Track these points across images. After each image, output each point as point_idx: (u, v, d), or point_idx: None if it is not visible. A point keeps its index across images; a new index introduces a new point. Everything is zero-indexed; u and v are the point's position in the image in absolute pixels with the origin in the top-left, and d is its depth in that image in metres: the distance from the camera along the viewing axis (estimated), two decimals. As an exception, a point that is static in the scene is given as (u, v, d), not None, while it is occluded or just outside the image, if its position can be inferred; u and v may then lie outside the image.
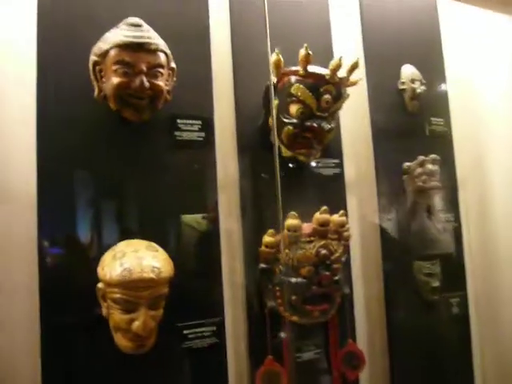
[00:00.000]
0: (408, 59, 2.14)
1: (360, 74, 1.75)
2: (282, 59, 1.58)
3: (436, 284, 2.00)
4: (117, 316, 1.27)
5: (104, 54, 1.33)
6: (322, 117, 1.60)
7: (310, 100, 1.58)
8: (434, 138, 2.17)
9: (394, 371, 1.95)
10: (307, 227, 1.61)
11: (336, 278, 1.60)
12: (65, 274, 1.39)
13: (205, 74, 1.66)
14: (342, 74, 1.59)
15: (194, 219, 1.60)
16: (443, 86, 2.27)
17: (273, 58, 1.57)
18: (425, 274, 2.00)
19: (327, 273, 1.57)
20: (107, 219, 1.49)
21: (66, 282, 1.38)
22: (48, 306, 1.34)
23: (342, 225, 1.64)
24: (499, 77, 2.35)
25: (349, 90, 1.67)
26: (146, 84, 1.32)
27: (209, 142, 1.63)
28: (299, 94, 1.58)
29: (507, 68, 2.40)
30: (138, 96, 1.36)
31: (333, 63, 1.56)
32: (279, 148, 1.69)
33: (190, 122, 1.59)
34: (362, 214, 2.00)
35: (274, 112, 1.64)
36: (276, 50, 1.56)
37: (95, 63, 1.36)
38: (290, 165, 1.76)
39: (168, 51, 1.41)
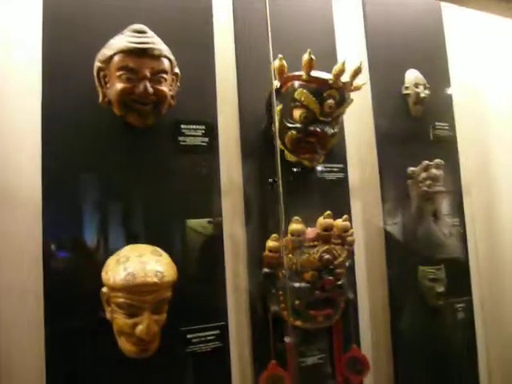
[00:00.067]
0: (412, 64, 2.14)
1: (364, 79, 1.75)
2: (285, 64, 1.59)
3: (441, 289, 1.99)
4: (120, 320, 1.27)
5: (108, 60, 1.35)
6: (326, 121, 1.61)
7: (314, 105, 1.58)
8: (438, 143, 2.17)
9: (399, 377, 1.94)
10: (311, 232, 1.62)
11: (339, 282, 1.60)
12: (69, 278, 1.40)
13: (208, 79, 1.67)
14: (345, 78, 1.60)
15: (199, 224, 1.61)
16: (448, 91, 2.27)
17: (276, 63, 1.58)
18: (429, 279, 1.99)
19: (330, 277, 1.57)
20: (112, 224, 1.50)
21: (71, 286, 1.39)
22: (53, 310, 1.35)
23: (346, 229, 1.64)
24: (504, 81, 2.34)
25: (353, 94, 1.67)
26: (150, 90, 1.34)
27: (212, 147, 1.64)
28: (302, 98, 1.58)
29: (512, 72, 2.39)
30: (141, 101, 1.37)
31: (336, 68, 1.56)
32: (283, 153, 1.70)
33: (194, 127, 1.60)
34: (366, 218, 2.00)
35: (277, 117, 1.64)
36: (279, 56, 1.57)
37: (99, 69, 1.37)
38: (294, 169, 1.76)
39: (172, 57, 1.43)
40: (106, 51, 1.36)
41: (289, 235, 1.58)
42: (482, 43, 2.39)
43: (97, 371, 1.38)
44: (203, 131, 1.62)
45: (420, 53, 2.19)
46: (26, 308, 1.37)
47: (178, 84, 1.48)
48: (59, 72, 1.44)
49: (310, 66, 1.55)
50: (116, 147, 1.49)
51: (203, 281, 1.60)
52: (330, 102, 1.58)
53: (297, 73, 1.60)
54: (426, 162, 2.01)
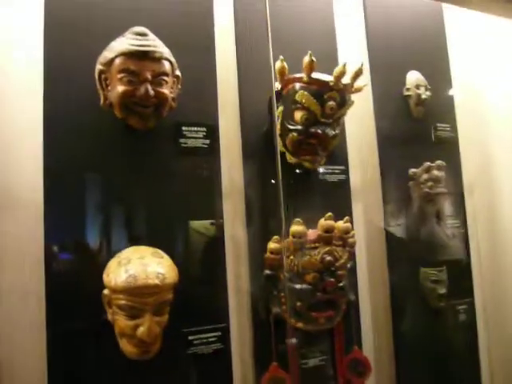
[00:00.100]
0: (413, 65, 2.14)
1: (365, 81, 1.75)
2: (286, 66, 1.59)
3: (443, 291, 1.98)
4: (122, 322, 1.28)
5: (109, 63, 1.35)
6: (327, 123, 1.61)
7: (315, 107, 1.58)
8: (439, 144, 2.17)
9: (401, 379, 1.94)
10: (312, 233, 1.62)
11: (341, 284, 1.60)
12: (71, 280, 1.41)
13: (210, 81, 1.68)
14: (346, 80, 1.60)
15: (202, 225, 1.61)
16: (449, 92, 2.27)
17: (277, 65, 1.59)
18: (431, 280, 1.99)
19: (332, 279, 1.57)
20: (113, 226, 1.50)
21: (73, 288, 1.39)
22: (55, 312, 1.36)
23: (347, 231, 1.64)
24: (506, 82, 2.34)
25: (354, 96, 1.67)
26: (151, 92, 1.34)
27: (213, 149, 1.64)
28: (303, 100, 1.59)
29: (514, 73, 2.39)
30: (142, 104, 1.37)
31: (337, 70, 1.56)
32: (284, 154, 1.70)
33: (195, 129, 1.61)
34: (367, 220, 2.00)
35: (278, 119, 1.66)
36: (280, 57, 1.58)
37: (101, 72, 1.38)
38: (298, 170, 1.76)
39: (173, 59, 1.43)
40: (107, 54, 1.36)
41: (290, 237, 1.59)
42: (483, 44, 2.39)
43: (98, 373, 1.38)
44: (204, 133, 1.62)
45: (421, 54, 2.19)
46: (27, 310, 1.38)
47: (179, 86, 1.49)
48: (61, 74, 1.44)
49: (311, 67, 1.56)
50: (117, 150, 1.50)
51: (205, 282, 1.60)
52: (331, 103, 1.59)
53: (298, 75, 1.61)
54: (428, 163, 2.01)
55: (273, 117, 1.63)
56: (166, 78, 1.39)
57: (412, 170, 2.03)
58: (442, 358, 2.02)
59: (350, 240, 1.65)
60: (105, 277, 1.32)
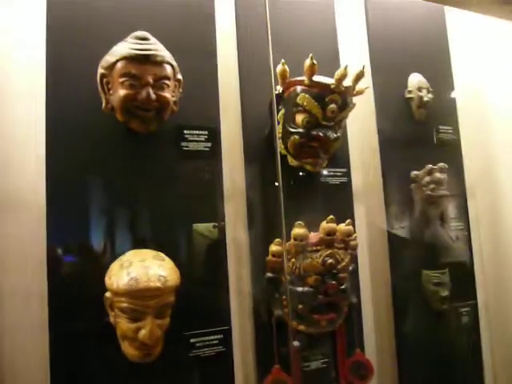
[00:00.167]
0: (415, 67, 2.14)
1: (367, 83, 1.75)
2: (287, 69, 1.60)
3: (445, 293, 1.98)
4: (124, 325, 1.28)
5: (111, 67, 1.36)
6: (328, 126, 1.61)
7: (316, 109, 1.59)
8: (442, 146, 2.16)
9: (403, 381, 1.93)
10: (314, 236, 1.62)
11: (343, 287, 1.60)
12: (73, 283, 1.41)
13: (211, 84, 1.68)
14: (347, 83, 1.60)
15: (205, 228, 1.61)
16: (451, 94, 2.27)
17: (279, 68, 1.59)
18: (434, 283, 1.98)
19: (333, 282, 1.57)
20: (115, 228, 1.51)
21: (75, 291, 1.40)
22: (57, 314, 1.36)
23: (349, 234, 1.64)
24: (508, 84, 2.33)
25: (356, 99, 1.67)
26: (153, 96, 1.35)
27: (215, 152, 1.65)
28: (305, 103, 1.59)
29: (516, 75, 2.39)
30: (144, 108, 1.38)
31: (338, 73, 1.57)
32: (286, 157, 1.71)
33: (197, 132, 1.61)
34: (369, 222, 2.00)
35: (278, 121, 1.67)
36: (282, 61, 1.58)
37: (102, 76, 1.39)
38: (301, 173, 1.76)
39: (174, 63, 1.44)
40: (108, 58, 1.37)
41: (292, 240, 1.59)
42: (485, 46, 2.39)
43: (100, 375, 1.39)
44: (206, 136, 1.63)
45: (423, 56, 2.19)
46: (30, 312, 1.38)
47: (181, 90, 1.49)
48: (63, 78, 1.45)
49: (312, 70, 1.56)
50: (119, 153, 1.50)
51: (207, 285, 1.60)
52: (333, 106, 1.59)
53: (299, 78, 1.61)
54: (430, 165, 2.00)
55: (273, 120, 1.64)
56: (167, 81, 1.40)
57: (414, 173, 2.03)
58: (445, 361, 2.02)
59: (352, 243, 1.65)
60: (107, 279, 1.32)
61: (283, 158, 1.69)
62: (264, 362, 1.63)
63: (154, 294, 1.26)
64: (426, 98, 2.08)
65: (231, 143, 1.72)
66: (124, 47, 1.35)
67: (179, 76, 1.47)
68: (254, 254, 1.69)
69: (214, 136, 1.65)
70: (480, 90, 2.38)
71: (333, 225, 1.60)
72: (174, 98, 1.45)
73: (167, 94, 1.40)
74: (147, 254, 1.39)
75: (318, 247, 1.60)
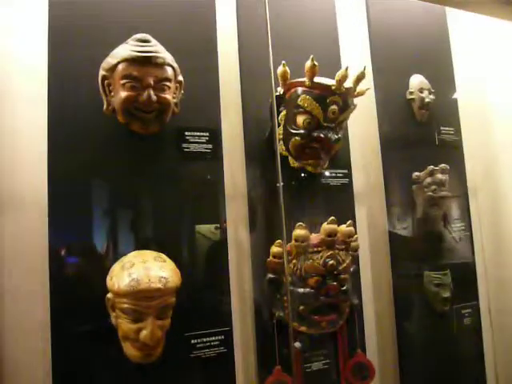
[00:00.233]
0: (417, 69, 2.14)
1: (368, 84, 1.76)
2: (288, 71, 1.60)
3: (447, 294, 1.98)
4: (125, 325, 1.29)
5: (112, 69, 1.36)
6: (329, 127, 1.62)
7: (317, 111, 1.59)
8: (443, 147, 2.16)
9: (404, 382, 1.93)
10: (315, 237, 1.62)
11: (344, 288, 1.60)
12: (75, 283, 1.42)
13: (212, 86, 1.69)
14: (348, 84, 1.60)
15: (208, 229, 1.62)
16: (453, 95, 2.27)
17: (280, 69, 1.60)
18: (435, 284, 1.98)
19: (334, 283, 1.57)
20: (117, 230, 1.52)
21: (77, 291, 1.41)
22: (59, 314, 1.37)
23: (350, 235, 1.64)
24: (510, 85, 2.33)
25: (357, 100, 1.68)
26: (154, 98, 1.35)
27: (216, 153, 1.65)
28: (306, 105, 1.60)
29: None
30: (145, 109, 1.39)
31: (339, 74, 1.57)
32: (287, 159, 1.71)
33: (198, 134, 1.62)
34: (370, 224, 2.00)
35: (281, 123, 1.67)
36: (283, 62, 1.59)
37: (104, 78, 1.39)
38: (301, 174, 1.76)
39: (175, 65, 1.44)
40: (110, 60, 1.38)
41: (293, 241, 1.59)
42: (487, 47, 2.39)
43: (102, 376, 1.40)
44: (207, 138, 1.63)
45: (425, 57, 2.19)
46: (32, 312, 1.39)
47: (182, 92, 1.50)
48: (65, 80, 1.47)
49: (313, 72, 1.57)
50: (120, 154, 1.51)
51: (209, 286, 1.60)
52: (334, 107, 1.59)
53: (300, 79, 1.62)
54: (431, 166, 2.00)
55: (273, 121, 1.64)
56: (168, 83, 1.40)
57: (416, 174, 2.03)
58: (447, 362, 2.01)
59: (353, 244, 1.65)
60: (108, 280, 1.33)
61: (284, 159, 1.70)
62: (265, 362, 1.63)
63: (154, 295, 1.26)
64: (427, 99, 2.08)
65: (232, 145, 1.73)
66: (125, 49, 1.36)
67: (180, 78, 1.48)
68: (255, 255, 1.70)
69: (215, 137, 1.66)
70: (482, 91, 2.38)
71: (334, 226, 1.60)
72: (174, 100, 1.46)
73: (168, 96, 1.40)
74: (148, 255, 1.39)
75: (319, 248, 1.59)
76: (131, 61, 1.34)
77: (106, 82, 1.40)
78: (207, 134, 1.63)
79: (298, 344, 1.61)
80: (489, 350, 2.21)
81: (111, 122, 1.44)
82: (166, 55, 1.40)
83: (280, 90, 1.68)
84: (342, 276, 1.59)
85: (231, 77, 1.75)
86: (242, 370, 1.65)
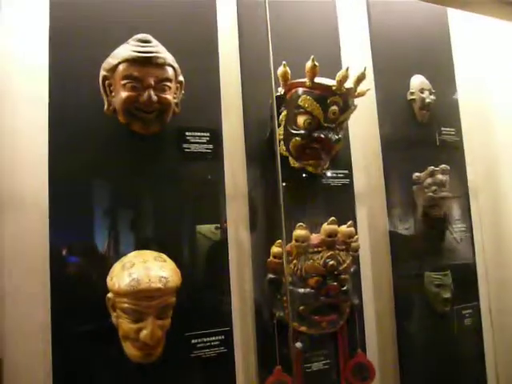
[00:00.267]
0: (418, 69, 2.14)
1: (369, 85, 1.76)
2: (289, 71, 1.60)
3: (447, 295, 1.98)
4: (125, 325, 1.29)
5: (113, 69, 1.37)
6: (330, 128, 1.62)
7: (318, 111, 1.59)
8: (444, 148, 2.16)
9: (405, 383, 1.92)
10: (315, 238, 1.62)
11: (344, 288, 1.60)
12: (76, 284, 1.42)
13: (213, 86, 1.69)
14: (349, 84, 1.60)
15: (208, 229, 1.62)
16: (454, 96, 2.27)
17: (280, 70, 1.60)
18: (436, 285, 1.98)
19: (335, 283, 1.57)
20: (117, 230, 1.52)
21: (78, 291, 1.41)
22: (60, 315, 1.37)
23: (350, 235, 1.64)
24: (511, 85, 2.33)
25: (358, 100, 1.68)
26: (154, 98, 1.36)
27: (217, 153, 1.65)
28: (306, 105, 1.60)
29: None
30: (146, 110, 1.39)
31: (339, 74, 1.57)
32: (288, 159, 1.71)
33: (199, 134, 1.62)
34: (371, 224, 2.00)
35: (281, 124, 1.67)
36: (283, 62, 1.59)
37: (105, 78, 1.40)
38: (301, 175, 1.76)
39: (176, 65, 1.44)
40: (111, 60, 1.38)
41: (293, 241, 1.59)
42: (488, 48, 2.38)
43: (102, 375, 1.40)
44: (208, 138, 1.63)
45: (425, 58, 2.19)
46: (33, 312, 1.39)
47: (183, 92, 1.50)
48: (66, 80, 1.47)
49: (314, 72, 1.57)
50: (121, 155, 1.51)
51: (209, 286, 1.61)
52: (334, 108, 1.60)
53: (301, 79, 1.62)
54: (432, 167, 2.00)
55: (273, 122, 1.64)
56: (169, 83, 1.41)
57: (416, 174, 2.03)
58: (447, 363, 2.01)
59: (354, 244, 1.65)
60: (108, 280, 1.33)
61: (285, 159, 1.70)
62: (265, 362, 1.63)
63: (155, 295, 1.26)
64: (428, 100, 2.08)
65: (233, 145, 1.73)
66: (126, 50, 1.37)
67: (181, 78, 1.48)
68: (255, 256, 1.70)
69: (216, 138, 1.66)
70: (482, 92, 2.38)
71: (334, 226, 1.60)
72: (175, 100, 1.46)
73: (169, 96, 1.41)
74: (149, 255, 1.39)
75: (320, 249, 1.59)
76: (132, 61, 1.34)
77: (106, 82, 1.40)
78: (208, 134, 1.63)
79: (299, 344, 1.62)
80: (489, 351, 2.20)
81: (112, 122, 1.45)
82: (166, 55, 1.40)
83: (281, 91, 1.69)
84: (343, 276, 1.60)
85: (232, 77, 1.76)
86: (243, 369, 1.65)
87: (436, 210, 2.02)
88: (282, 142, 1.70)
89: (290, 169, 1.71)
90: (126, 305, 1.27)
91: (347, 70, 1.56)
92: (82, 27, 1.51)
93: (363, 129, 2.00)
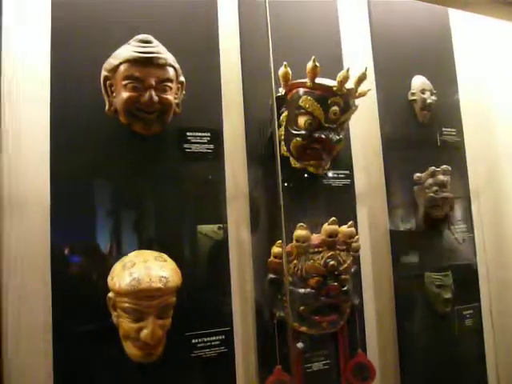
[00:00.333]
0: (419, 69, 2.14)
1: (370, 85, 1.76)
2: (289, 72, 1.60)
3: (448, 296, 1.98)
4: (126, 325, 1.29)
5: (114, 70, 1.37)
6: (331, 128, 1.62)
7: (318, 112, 1.59)
8: (445, 149, 2.16)
9: (405, 383, 1.92)
10: (316, 238, 1.63)
11: (344, 288, 1.61)
12: (77, 283, 1.43)
13: (214, 86, 1.69)
14: (349, 85, 1.61)
15: (210, 229, 1.63)
16: (455, 96, 2.26)
17: (281, 70, 1.60)
18: (436, 285, 1.98)
19: (335, 284, 1.57)
20: (119, 229, 1.52)
21: (79, 291, 1.42)
22: (61, 314, 1.38)
23: (351, 236, 1.64)
24: (512, 86, 2.33)
25: (359, 100, 1.68)
26: (155, 98, 1.36)
27: (218, 153, 1.66)
28: (307, 105, 1.60)
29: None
30: (147, 110, 1.40)
31: (340, 75, 1.57)
32: (288, 159, 1.71)
33: (200, 134, 1.62)
34: (372, 224, 2.00)
35: (282, 124, 1.68)
36: (284, 63, 1.59)
37: (106, 78, 1.40)
38: (302, 175, 1.76)
39: (177, 66, 1.45)
40: (112, 61, 1.38)
41: (294, 241, 1.60)
42: (489, 48, 2.38)
43: (103, 375, 1.41)
44: (209, 138, 1.64)
45: (427, 58, 2.19)
46: (34, 312, 1.40)
47: (184, 92, 1.51)
48: (67, 81, 1.47)
49: (315, 73, 1.57)
50: (122, 155, 1.52)
51: (210, 286, 1.61)
52: (335, 108, 1.60)
53: (301, 80, 1.62)
54: (433, 167, 2.00)
55: (273, 122, 1.64)
56: (170, 84, 1.41)
57: (417, 175, 2.03)
58: (448, 363, 2.01)
59: (354, 245, 1.66)
60: (109, 280, 1.34)
61: (286, 160, 1.70)
62: (266, 362, 1.63)
63: (155, 295, 1.27)
64: (429, 100, 2.08)
65: (234, 145, 1.73)
66: (127, 50, 1.37)
67: (182, 78, 1.48)
68: (256, 256, 1.70)
69: (217, 138, 1.66)
70: (484, 92, 2.38)
71: (335, 227, 1.60)
72: (176, 100, 1.46)
73: (170, 97, 1.41)
74: (149, 254, 1.40)
75: (320, 249, 1.60)
76: (133, 61, 1.35)
77: (108, 82, 1.40)
78: (209, 134, 1.64)
79: (300, 344, 1.62)
80: (490, 352, 2.20)
81: (113, 122, 1.45)
82: (167, 56, 1.41)
83: (282, 91, 1.69)
84: (343, 276, 1.60)
85: (233, 77, 1.76)
86: (243, 369, 1.65)
87: (437, 211, 2.01)
88: (283, 143, 1.70)
89: (291, 169, 1.72)
90: (127, 304, 1.27)
91: (348, 70, 1.57)
92: (83, 27, 1.52)
93: (364, 129, 2.00)
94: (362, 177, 1.98)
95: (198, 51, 1.67)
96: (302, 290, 1.59)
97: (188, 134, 1.61)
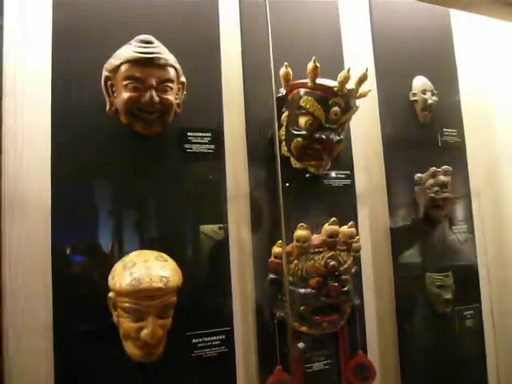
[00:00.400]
0: (420, 70, 2.14)
1: (371, 86, 1.76)
2: (290, 72, 1.61)
3: (448, 296, 1.98)
4: (126, 324, 1.30)
5: (115, 70, 1.38)
6: (331, 128, 1.62)
7: (319, 112, 1.60)
8: (446, 149, 2.16)
9: (406, 383, 1.93)
10: (316, 238, 1.63)
11: (345, 288, 1.61)
12: (78, 283, 1.43)
13: (215, 87, 1.70)
14: (350, 85, 1.61)
15: (211, 229, 1.63)
16: (456, 97, 2.26)
17: (282, 71, 1.60)
18: (437, 285, 1.98)
19: (335, 284, 1.58)
20: (119, 230, 1.53)
21: (79, 291, 1.42)
22: (61, 314, 1.38)
23: (351, 236, 1.64)
24: (513, 87, 2.33)
25: (360, 101, 1.68)
26: (156, 98, 1.36)
27: (219, 154, 1.66)
28: (308, 106, 1.60)
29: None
30: (147, 110, 1.40)
31: (341, 75, 1.57)
32: (289, 160, 1.71)
33: (200, 134, 1.62)
34: (372, 224, 2.00)
35: (282, 124, 1.69)
36: (285, 63, 1.59)
37: (107, 78, 1.41)
38: (303, 175, 1.76)
39: (178, 66, 1.45)
40: (113, 61, 1.39)
41: (294, 241, 1.60)
42: (491, 49, 2.38)
43: (104, 374, 1.41)
44: (209, 138, 1.64)
45: (428, 59, 2.19)
46: (34, 312, 1.40)
47: (185, 92, 1.51)
48: (68, 81, 1.48)
49: (315, 73, 1.57)
50: (123, 155, 1.52)
51: (210, 285, 1.61)
52: (336, 109, 1.60)
53: (302, 80, 1.62)
54: (434, 168, 2.00)
55: (274, 122, 1.64)
56: (170, 84, 1.41)
57: (418, 175, 2.03)
58: (448, 363, 2.01)
59: (355, 245, 1.66)
60: (110, 280, 1.34)
61: (287, 160, 1.71)
62: (266, 362, 1.63)
63: (155, 295, 1.27)
64: (430, 101, 2.07)
65: (234, 145, 1.73)
66: (128, 50, 1.37)
67: (183, 78, 1.49)
68: (256, 256, 1.70)
69: (218, 138, 1.66)
70: (485, 93, 2.38)
71: (335, 227, 1.61)
72: (177, 101, 1.47)
73: (170, 97, 1.41)
74: (150, 254, 1.40)
75: (321, 249, 1.60)
76: (134, 62, 1.35)
77: (108, 82, 1.41)
78: (209, 134, 1.64)
79: (301, 344, 1.62)
80: (491, 352, 2.20)
81: (114, 122, 1.46)
82: (168, 56, 1.41)
83: (282, 92, 1.69)
84: (343, 277, 1.60)
85: (234, 77, 1.76)
86: (243, 369, 1.65)
87: (438, 211, 2.01)
88: (283, 143, 1.70)
89: (291, 169, 1.72)
90: (127, 304, 1.28)
91: (349, 70, 1.57)
92: (84, 28, 1.52)
93: (365, 130, 2.00)
94: (363, 177, 1.98)
95: (199, 51, 1.67)
96: (302, 290, 1.59)
97: (189, 134, 1.61)
